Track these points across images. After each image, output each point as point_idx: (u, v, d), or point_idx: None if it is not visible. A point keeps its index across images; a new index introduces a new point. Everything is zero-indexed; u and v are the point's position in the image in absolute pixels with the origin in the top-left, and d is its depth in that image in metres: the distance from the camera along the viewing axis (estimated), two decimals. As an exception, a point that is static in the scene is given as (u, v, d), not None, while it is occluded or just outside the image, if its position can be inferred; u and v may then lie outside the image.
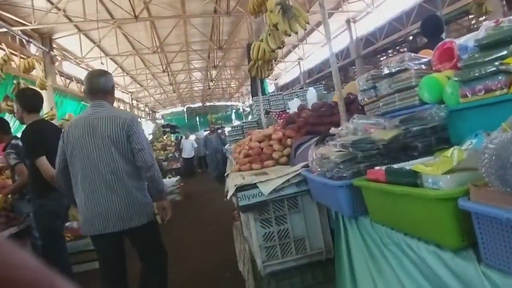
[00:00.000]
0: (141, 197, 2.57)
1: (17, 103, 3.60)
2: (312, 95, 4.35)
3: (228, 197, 2.38)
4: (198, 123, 30.45)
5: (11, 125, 8.02)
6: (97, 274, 4.58)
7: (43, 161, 3.33)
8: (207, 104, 34.25)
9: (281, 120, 5.96)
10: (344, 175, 1.65)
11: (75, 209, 3.75)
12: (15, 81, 7.72)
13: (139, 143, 2.46)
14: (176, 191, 9.06)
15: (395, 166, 1.46)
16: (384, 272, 1.66)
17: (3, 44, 10.19)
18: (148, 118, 30.59)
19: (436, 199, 1.16)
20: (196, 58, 19.39)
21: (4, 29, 9.78)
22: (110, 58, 16.11)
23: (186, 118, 32.52)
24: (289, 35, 3.22)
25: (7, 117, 8.50)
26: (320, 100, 3.85)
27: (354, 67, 14.66)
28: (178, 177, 9.55)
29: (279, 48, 3.35)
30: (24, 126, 3.59)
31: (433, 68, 2.05)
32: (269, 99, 9.04)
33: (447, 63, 1.98)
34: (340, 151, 1.69)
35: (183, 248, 5.26)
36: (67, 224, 4.58)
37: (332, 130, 2.04)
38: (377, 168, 1.53)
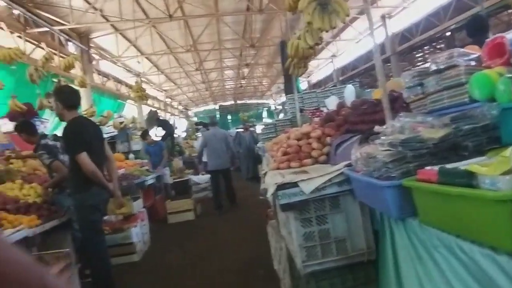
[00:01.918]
0: None
1: (57, 100, 3.74)
2: (350, 92, 4.25)
3: (268, 195, 2.37)
4: (230, 121, 30.63)
5: (51, 122, 8.42)
6: (133, 267, 4.75)
7: (83, 157, 3.45)
8: (239, 102, 34.45)
9: (315, 118, 5.88)
10: (393, 175, 1.59)
11: (113, 203, 3.89)
12: (55, 79, 8.08)
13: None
14: (209, 188, 9.14)
15: (448, 166, 1.40)
16: (432, 275, 1.60)
17: (43, 43, 10.69)
18: (181, 116, 31.15)
19: (494, 200, 1.11)
20: (229, 56, 19.51)
21: (45, 29, 10.24)
22: (146, 57, 16.50)
23: (218, 116, 32.85)
24: (327, 31, 3.16)
25: (47, 114, 8.91)
26: (358, 98, 3.77)
27: (389, 64, 14.26)
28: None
29: (317, 44, 3.29)
30: (64, 124, 3.72)
31: (483, 65, 1.96)
32: (302, 97, 8.96)
33: (498, 59, 1.89)
34: (388, 150, 1.64)
35: (215, 243, 5.32)
36: (105, 217, 4.73)
37: (377, 128, 1.97)
38: (428, 168, 1.47)
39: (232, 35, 15.65)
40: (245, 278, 3.87)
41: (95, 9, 10.81)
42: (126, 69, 16.96)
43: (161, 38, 14.99)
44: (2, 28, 9.22)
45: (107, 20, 11.89)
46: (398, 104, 2.47)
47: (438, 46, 13.15)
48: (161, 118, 13.15)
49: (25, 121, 4.86)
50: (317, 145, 2.79)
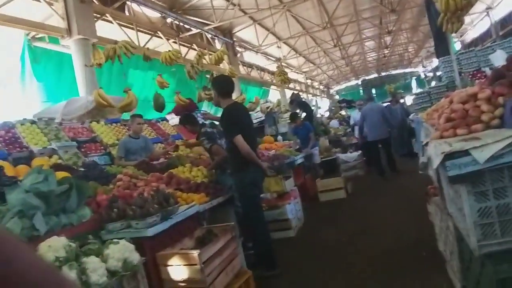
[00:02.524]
0: None
1: (213, 89, 4.12)
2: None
3: (433, 167, 2.11)
4: (375, 95, 29.13)
5: (210, 112, 9.42)
6: (289, 242, 4.97)
7: (239, 139, 3.76)
8: (383, 74, 32.39)
9: (477, 80, 5.07)
10: None
11: (268, 182, 4.12)
12: (207, 75, 8.98)
13: None
14: (358, 166, 8.89)
15: None
16: None
17: (194, 44, 12.01)
18: (323, 96, 31.07)
19: None
20: (368, 26, 18.46)
21: (195, 31, 11.47)
22: (284, 42, 16.92)
23: (361, 91, 31.59)
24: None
25: (205, 106, 10.00)
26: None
27: None
28: (360, 151, 9.33)
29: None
30: (221, 110, 4.07)
31: None
32: (459, 58, 7.82)
33: None
34: None
35: (370, 222, 5.13)
36: (262, 195, 5.05)
37: None
38: None
39: (369, 3, 14.74)
40: (406, 260, 3.61)
41: (234, 4, 11.55)
42: (267, 57, 17.72)
43: (297, 21, 15.14)
44: (160, 37, 10.74)
45: (245, 13, 12.58)
46: None
47: None
48: (303, 99, 13.31)
49: (187, 115, 5.53)
50: (488, 107, 2.34)
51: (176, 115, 8.77)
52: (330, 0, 13.60)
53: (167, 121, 8.70)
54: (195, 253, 2.66)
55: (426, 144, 2.53)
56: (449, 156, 1.93)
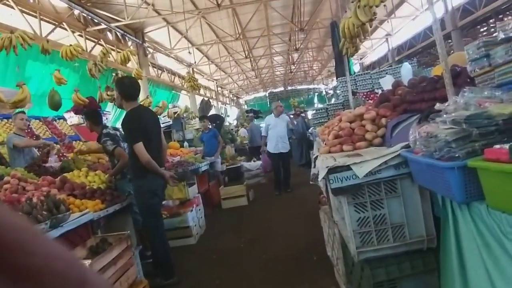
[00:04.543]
0: None
1: (116, 91, 3.90)
2: (407, 71, 4.02)
3: (319, 179, 2.30)
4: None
5: (112, 114, 8.89)
6: (190, 250, 4.93)
7: (139, 146, 3.61)
8: (289, 88, 34.15)
9: (370, 101, 5.65)
10: (457, 155, 1.47)
11: (170, 189, 4.03)
12: (113, 74, 8.49)
13: None
14: (261, 174, 9.20)
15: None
16: (501, 264, 1.46)
17: (101, 40, 11.29)
18: (232, 104, 31.56)
19: None
20: (278, 41, 19.34)
21: (103, 26, 10.78)
22: (196, 48, 16.83)
23: (268, 103, 32.79)
24: (377, 6, 2.99)
25: (109, 106, 9.42)
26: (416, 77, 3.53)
27: (450, 41, 13.27)
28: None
29: (371, 20, 3.12)
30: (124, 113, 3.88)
31: None
32: (355, 79, 8.62)
33: None
34: (450, 128, 1.51)
35: (269, 229, 5.34)
36: (163, 202, 4.92)
37: (438, 106, 1.83)
38: (497, 146, 1.33)
39: (280, 20, 15.46)
40: (298, 263, 3.86)
41: (147, 3, 11.17)
42: (179, 61, 17.44)
43: (210, 28, 15.19)
44: (65, 28, 9.88)
45: (159, 14, 12.24)
46: (461, 79, 2.27)
47: (505, 19, 11.99)
48: (212, 106, 13.38)
49: (94, 110, 5.10)
50: (372, 127, 2.65)
51: (75, 113, 8.09)
52: (244, 13, 13.97)
53: (65, 120, 7.98)
54: (85, 263, 2.48)
55: (316, 157, 2.75)
56: (333, 170, 2.12)
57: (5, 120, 5.92)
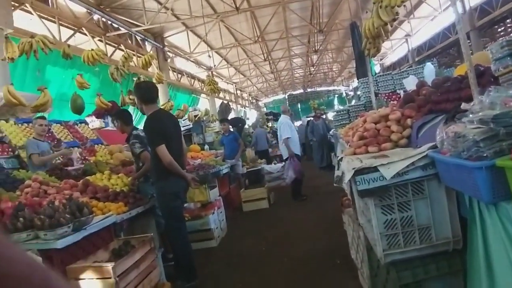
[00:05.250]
0: None
1: (135, 96, 3.95)
2: (430, 71, 3.94)
3: (345, 181, 2.27)
4: (299, 109, 30.38)
5: (134, 117, 9.05)
6: (211, 252, 4.95)
7: (162, 148, 3.65)
8: (308, 90, 33.99)
9: (392, 102, 5.55)
10: (485, 154, 1.42)
11: (192, 191, 4.03)
12: (135, 78, 8.65)
13: None
14: (283, 177, 9.16)
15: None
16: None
17: (121, 45, 11.51)
18: (252, 107, 31.64)
19: None
20: (296, 44, 19.31)
21: (123, 31, 11.00)
22: (215, 51, 16.98)
23: (288, 105, 32.75)
24: (399, 6, 2.94)
25: (130, 109, 9.59)
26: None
27: (468, 41, 12.96)
28: (283, 163, 9.65)
29: (393, 20, 3.07)
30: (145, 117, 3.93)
31: None
32: (376, 80, 8.52)
33: None
34: (478, 127, 1.47)
35: (291, 231, 5.31)
36: (185, 205, 4.94)
37: (464, 105, 1.78)
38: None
39: (299, 22, 15.43)
40: (321, 267, 3.81)
41: (167, 8, 11.33)
42: (198, 65, 17.62)
43: (229, 32, 15.30)
44: (84, 33, 10.12)
45: (178, 19, 12.41)
46: (485, 78, 2.21)
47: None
48: (234, 117, 13.46)
49: (124, 110, 5.05)
50: (397, 128, 2.61)
51: (96, 117, 8.26)
52: (263, 16, 14.01)
53: (87, 124, 8.15)
54: (109, 266, 2.52)
55: (341, 159, 2.72)
56: (359, 171, 2.10)
57: (25, 125, 6.09)
